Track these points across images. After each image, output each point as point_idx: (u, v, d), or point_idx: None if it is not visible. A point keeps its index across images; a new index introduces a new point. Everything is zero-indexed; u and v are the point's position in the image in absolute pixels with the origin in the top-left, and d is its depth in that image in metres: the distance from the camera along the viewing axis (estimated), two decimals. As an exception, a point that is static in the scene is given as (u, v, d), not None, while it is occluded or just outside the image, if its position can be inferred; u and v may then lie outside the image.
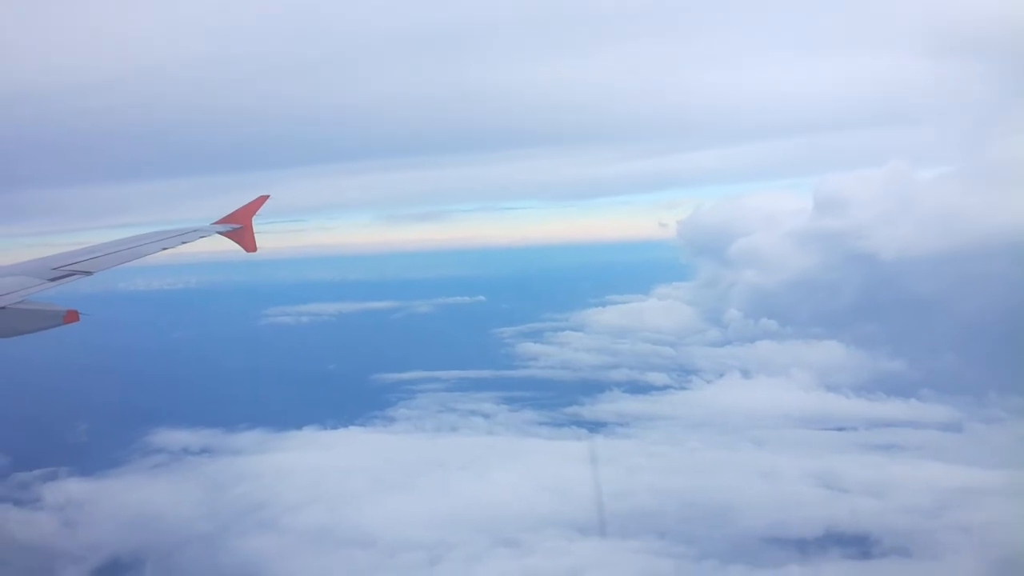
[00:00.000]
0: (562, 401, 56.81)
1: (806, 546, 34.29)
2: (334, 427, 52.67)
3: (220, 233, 13.11)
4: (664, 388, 59.01)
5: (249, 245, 13.48)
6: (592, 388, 59.93)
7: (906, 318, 66.33)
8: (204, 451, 50.11)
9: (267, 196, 14.10)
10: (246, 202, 14.05)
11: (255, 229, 13.71)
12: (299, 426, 52.47)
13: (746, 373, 60.45)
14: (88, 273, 8.94)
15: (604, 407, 55.02)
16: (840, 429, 49.08)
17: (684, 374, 62.12)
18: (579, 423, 52.03)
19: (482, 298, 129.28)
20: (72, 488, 43.99)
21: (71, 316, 6.74)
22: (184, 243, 11.64)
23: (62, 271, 8.76)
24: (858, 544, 34.45)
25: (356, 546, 34.93)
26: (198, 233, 12.33)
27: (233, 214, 13.72)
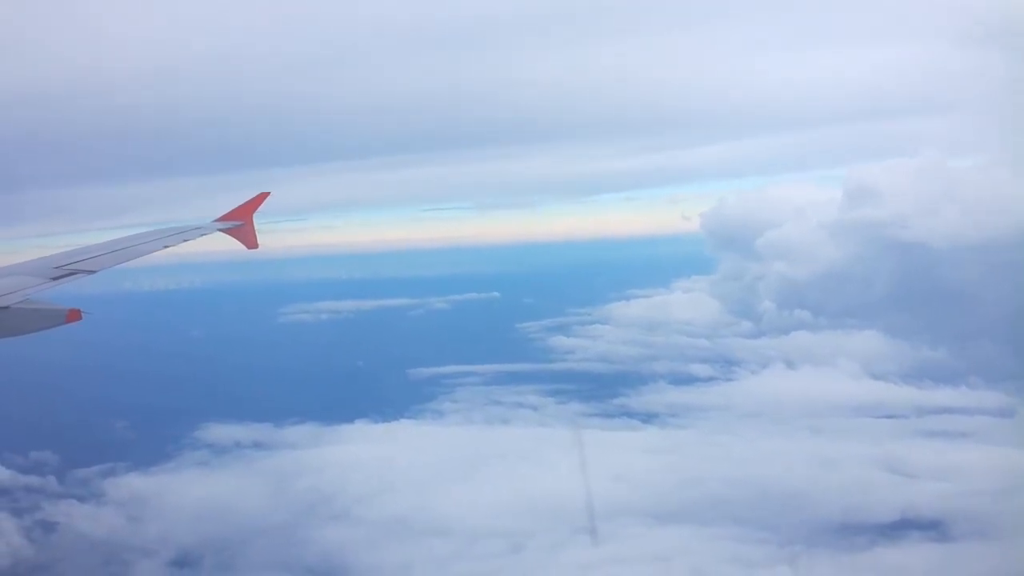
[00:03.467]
0: (607, 393, 56.87)
1: (885, 531, 34.44)
2: (385, 420, 52.61)
3: (221, 230, 13.11)
4: (709, 379, 59.12)
5: (250, 242, 13.49)
6: (635, 380, 60.00)
7: (944, 307, 66.45)
8: (256, 446, 50.07)
9: (268, 193, 14.08)
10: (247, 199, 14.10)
11: (256, 226, 13.72)
12: (349, 420, 52.33)
13: (790, 363, 60.57)
14: (90, 272, 8.91)
15: (652, 398, 55.11)
16: (891, 417, 49.17)
17: (727, 365, 62.22)
18: (630, 414, 52.08)
19: (496, 294, 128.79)
20: (134, 483, 43.92)
21: (73, 315, 6.69)
22: (186, 240, 11.68)
23: (64, 270, 8.71)
24: (936, 528, 34.60)
25: (434, 535, 34.96)
26: (199, 231, 12.36)
27: (234, 211, 13.71)
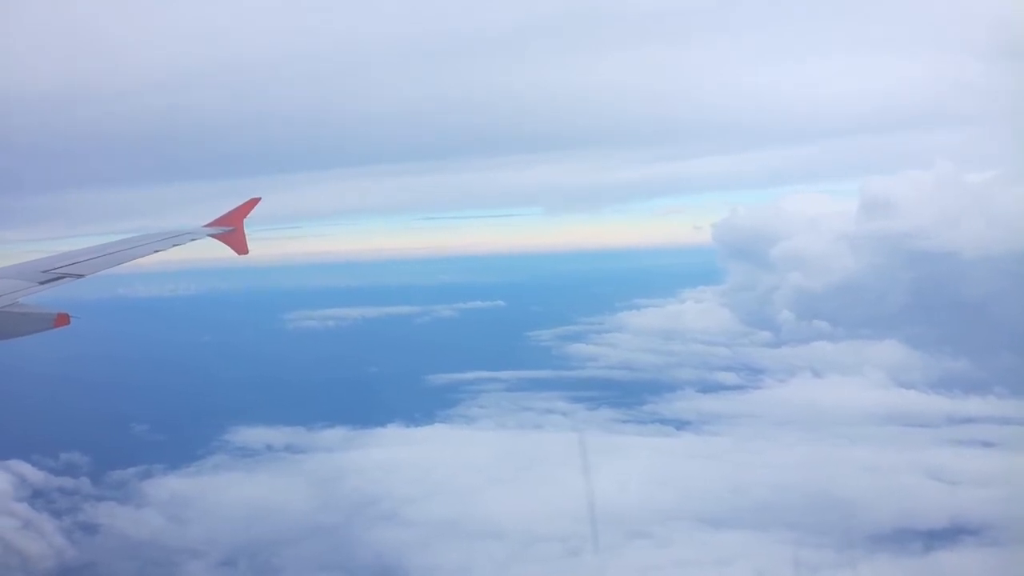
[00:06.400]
0: (635, 400, 56.89)
1: (938, 536, 34.57)
2: (417, 425, 52.48)
3: (212, 236, 13.04)
4: (737, 387, 59.32)
5: (240, 247, 13.40)
6: (661, 388, 60.12)
7: (961, 318, 66.92)
8: (289, 449, 49.72)
9: (258, 199, 14.03)
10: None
11: (251, 234, 13.68)
12: (381, 424, 52.13)
13: (817, 372, 60.94)
14: (79, 276, 8.88)
15: (681, 405, 55.21)
16: (923, 426, 49.37)
17: (752, 374, 62.50)
18: (662, 421, 52.15)
19: (501, 303, 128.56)
20: (168, 485, 43.59)
21: (61, 319, 6.65)
22: (175, 245, 11.66)
23: (52, 274, 8.69)
24: (985, 533, 34.73)
25: (488, 538, 34.84)
26: (189, 236, 12.31)
27: (224, 216, 13.63)
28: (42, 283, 8.23)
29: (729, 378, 61.61)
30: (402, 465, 43.14)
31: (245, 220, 13.69)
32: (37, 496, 43.17)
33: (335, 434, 51.03)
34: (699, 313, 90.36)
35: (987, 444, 45.70)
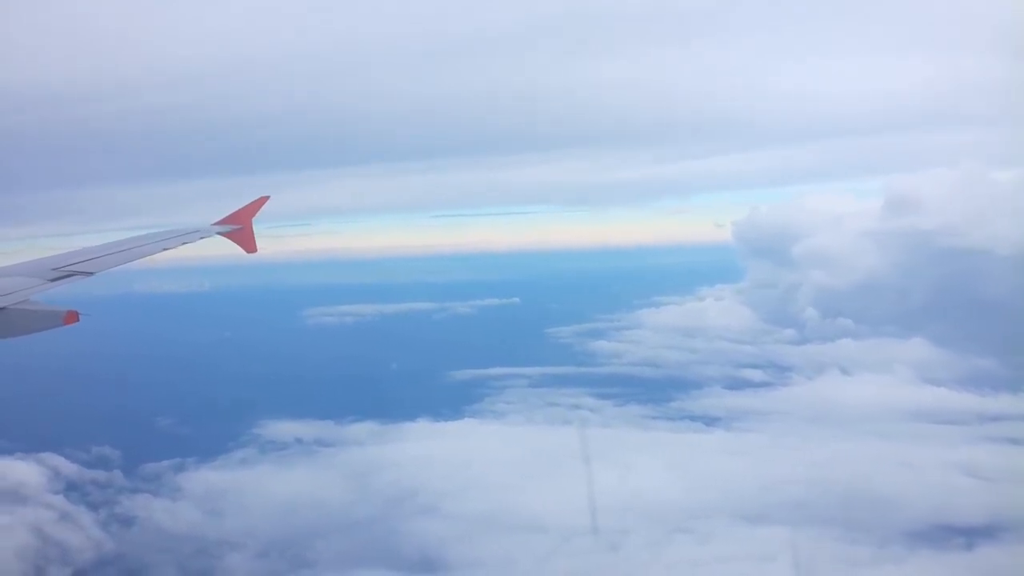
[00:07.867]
0: (663, 397, 56.83)
1: (972, 533, 34.39)
2: (446, 420, 52.52)
3: (220, 234, 13.03)
4: (766, 384, 59.17)
5: (249, 246, 13.40)
6: (687, 385, 60.05)
7: (985, 316, 66.56)
8: (318, 442, 49.79)
9: (267, 197, 13.99)
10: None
11: (262, 232, 13.69)
12: (410, 418, 52.13)
13: (844, 370, 60.71)
14: (88, 274, 8.89)
15: (709, 402, 55.12)
16: (953, 423, 49.09)
17: (779, 371, 62.32)
18: (691, 418, 52.03)
19: (516, 300, 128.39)
20: (205, 477, 43.72)
21: (71, 317, 6.62)
22: (184, 244, 11.64)
23: (62, 272, 8.70)
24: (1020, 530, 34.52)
25: (527, 532, 34.84)
26: (198, 234, 12.28)
27: (233, 215, 13.60)
28: (52, 280, 8.28)
29: (756, 375, 61.54)
30: (435, 460, 43.19)
31: (254, 218, 13.71)
32: (71, 488, 43.36)
33: (364, 428, 51.01)
34: (720, 311, 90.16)
35: (1016, 442, 45.47)
